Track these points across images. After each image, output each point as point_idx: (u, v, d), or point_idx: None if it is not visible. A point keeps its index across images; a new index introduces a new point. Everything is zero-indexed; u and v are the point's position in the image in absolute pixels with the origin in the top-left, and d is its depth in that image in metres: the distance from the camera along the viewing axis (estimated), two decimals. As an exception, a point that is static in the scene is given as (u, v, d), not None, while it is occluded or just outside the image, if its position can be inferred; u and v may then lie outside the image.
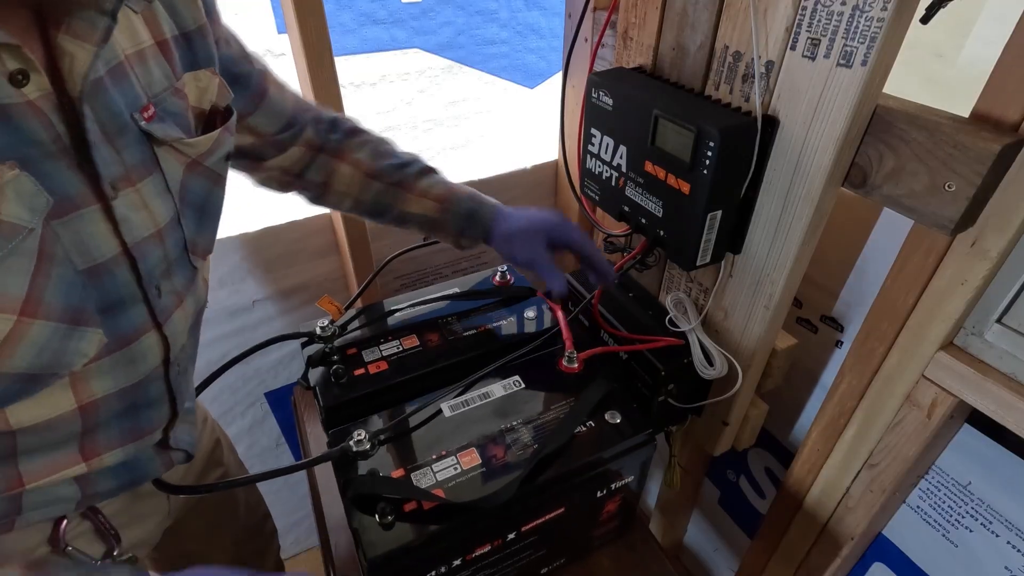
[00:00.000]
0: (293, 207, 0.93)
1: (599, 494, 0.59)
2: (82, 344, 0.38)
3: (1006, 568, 0.57)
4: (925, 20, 0.42)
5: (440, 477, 0.53)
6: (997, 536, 0.57)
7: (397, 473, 0.53)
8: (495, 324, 0.72)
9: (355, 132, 0.66)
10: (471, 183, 0.98)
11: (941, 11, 0.41)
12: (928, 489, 0.61)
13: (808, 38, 0.47)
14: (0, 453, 0.39)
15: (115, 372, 0.42)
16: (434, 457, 0.55)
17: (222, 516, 0.71)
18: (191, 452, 0.53)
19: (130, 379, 0.43)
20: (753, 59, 0.51)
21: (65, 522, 0.46)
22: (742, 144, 0.52)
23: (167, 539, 0.60)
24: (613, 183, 0.65)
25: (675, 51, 0.60)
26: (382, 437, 0.56)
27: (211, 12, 0.49)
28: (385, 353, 0.68)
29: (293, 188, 0.67)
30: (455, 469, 0.54)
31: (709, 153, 0.50)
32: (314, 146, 0.64)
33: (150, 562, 0.59)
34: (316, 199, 0.68)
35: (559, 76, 0.84)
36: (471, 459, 0.55)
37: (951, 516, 0.60)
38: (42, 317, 0.35)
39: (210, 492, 0.58)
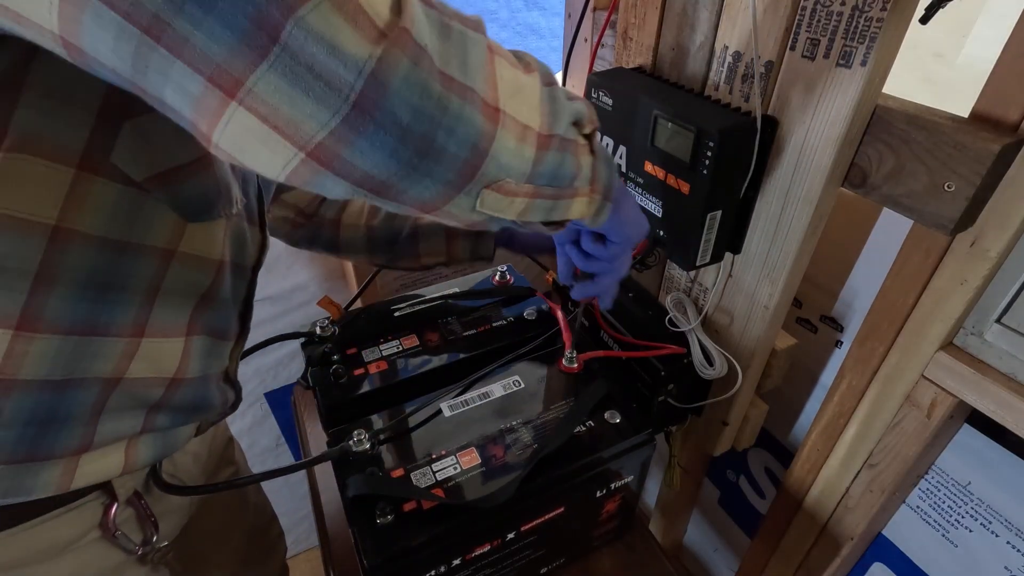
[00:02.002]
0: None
1: (599, 494, 0.59)
2: (233, 190, 0.44)
3: (1006, 568, 0.57)
4: (924, 20, 0.42)
5: (440, 477, 0.53)
6: (997, 536, 0.57)
7: (397, 473, 0.53)
8: (495, 324, 0.72)
9: None
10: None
11: (941, 11, 0.41)
12: (928, 489, 0.61)
13: (808, 38, 0.47)
14: (143, 285, 0.39)
15: (232, 242, 0.45)
16: (434, 457, 0.55)
17: (233, 515, 0.71)
18: (240, 394, 0.56)
19: (236, 258, 0.47)
20: (753, 59, 0.51)
21: (116, 506, 0.47)
22: (742, 144, 0.52)
23: (180, 537, 0.61)
24: (613, 183, 0.65)
25: (675, 51, 0.60)
26: (382, 437, 0.56)
27: None
28: (385, 353, 0.68)
29: (304, 232, 0.72)
30: (455, 469, 0.54)
31: (709, 153, 0.50)
32: None
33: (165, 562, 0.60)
34: (330, 243, 0.73)
35: (559, 76, 0.84)
36: (471, 459, 0.55)
37: (951, 516, 0.60)
38: None
39: (203, 492, 0.58)
